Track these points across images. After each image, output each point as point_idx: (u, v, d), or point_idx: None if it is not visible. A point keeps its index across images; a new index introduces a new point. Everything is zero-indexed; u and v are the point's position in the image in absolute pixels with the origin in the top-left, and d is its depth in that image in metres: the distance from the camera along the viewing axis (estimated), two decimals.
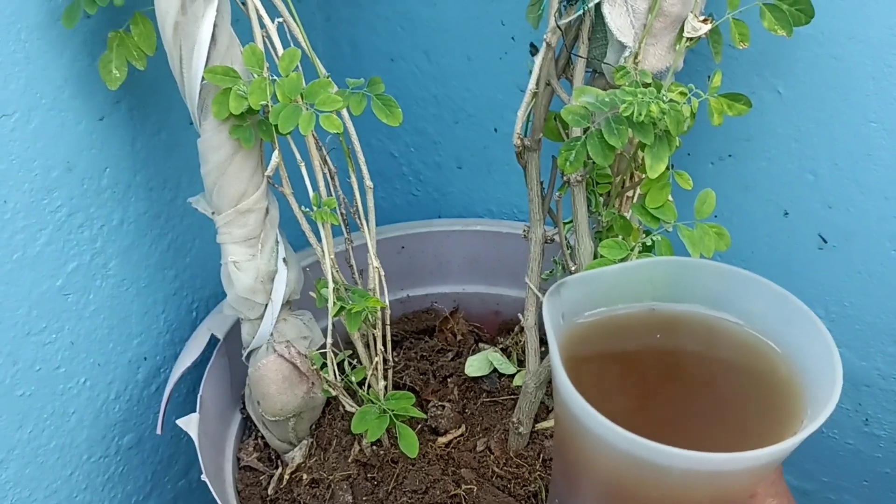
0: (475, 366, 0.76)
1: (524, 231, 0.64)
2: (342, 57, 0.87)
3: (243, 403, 0.74)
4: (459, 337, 0.82)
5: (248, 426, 0.74)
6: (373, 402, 0.62)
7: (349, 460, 0.68)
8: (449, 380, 0.75)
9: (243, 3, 0.57)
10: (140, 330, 0.74)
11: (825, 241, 0.72)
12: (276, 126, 0.54)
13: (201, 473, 0.63)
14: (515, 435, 0.67)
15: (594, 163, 0.55)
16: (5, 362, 0.62)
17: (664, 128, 0.52)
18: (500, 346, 0.79)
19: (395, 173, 0.92)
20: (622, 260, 0.54)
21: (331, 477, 0.67)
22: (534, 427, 0.68)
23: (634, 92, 0.51)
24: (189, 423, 0.65)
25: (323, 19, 0.85)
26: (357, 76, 0.59)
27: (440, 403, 0.72)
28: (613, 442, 0.38)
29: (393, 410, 0.61)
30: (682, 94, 0.54)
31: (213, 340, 0.72)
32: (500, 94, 0.82)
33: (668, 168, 0.54)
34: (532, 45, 0.77)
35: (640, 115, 0.50)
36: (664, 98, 0.51)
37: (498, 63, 0.80)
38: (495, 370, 0.76)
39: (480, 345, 0.82)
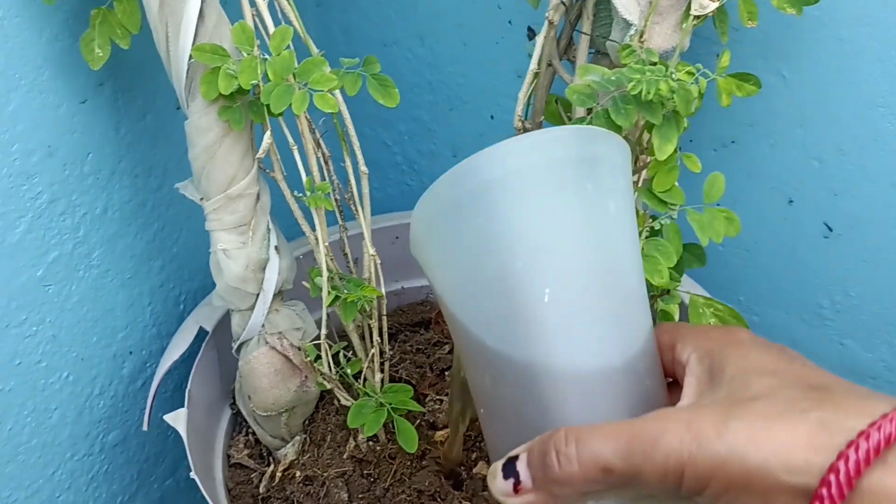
0: None
1: None
2: (334, 42, 0.84)
3: (233, 398, 0.71)
4: None
5: (238, 422, 0.72)
6: (369, 396, 0.60)
7: (344, 456, 0.65)
8: (446, 373, 0.73)
9: None
10: (125, 323, 0.71)
11: (830, 230, 0.71)
12: (267, 106, 0.52)
13: (190, 471, 0.61)
14: None
15: None
16: None
17: (672, 108, 0.50)
18: None
19: (388, 163, 0.90)
20: None
21: (325, 474, 0.65)
22: None
23: (643, 70, 0.49)
24: (177, 419, 0.62)
25: (314, 4, 0.83)
26: None
27: (437, 397, 0.70)
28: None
29: (391, 404, 0.59)
30: (689, 73, 0.52)
31: (201, 333, 0.70)
32: (496, 80, 0.80)
33: (675, 150, 0.52)
34: (530, 28, 0.75)
35: (649, 93, 0.48)
36: (673, 76, 0.49)
37: (494, 48, 0.78)
38: None
39: None
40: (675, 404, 0.36)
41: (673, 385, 0.39)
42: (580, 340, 0.36)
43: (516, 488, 0.34)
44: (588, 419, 0.35)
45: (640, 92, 0.48)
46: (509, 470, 0.35)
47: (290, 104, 0.51)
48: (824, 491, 0.28)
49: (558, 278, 0.36)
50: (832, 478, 0.28)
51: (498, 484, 0.35)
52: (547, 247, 0.37)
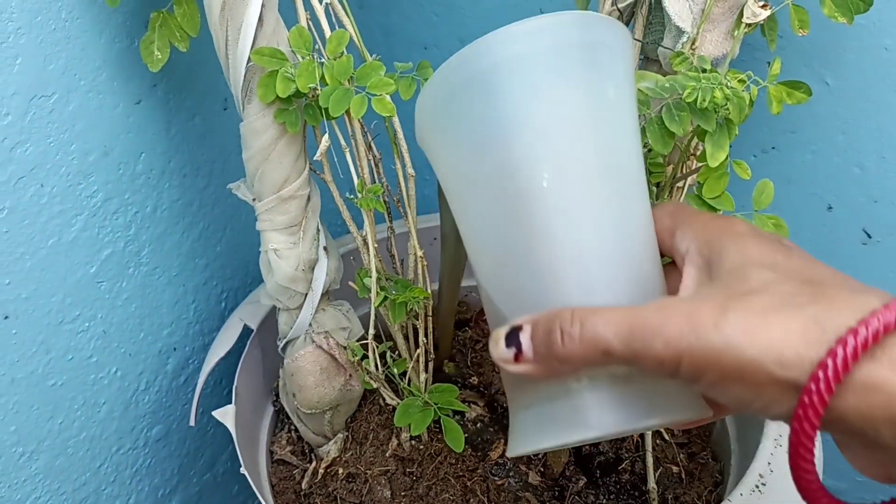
0: None
1: None
2: (375, 44, 0.85)
3: (276, 395, 0.72)
4: None
5: (280, 419, 0.73)
6: (415, 395, 0.60)
7: (387, 455, 0.66)
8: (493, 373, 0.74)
9: None
10: (170, 319, 0.73)
11: (869, 237, 0.71)
12: (325, 110, 0.53)
13: (236, 466, 0.62)
14: None
15: (649, 150, 0.53)
16: (38, 351, 0.61)
17: (725, 115, 0.51)
18: None
19: (426, 165, 0.90)
20: None
21: (368, 471, 0.65)
22: None
23: (698, 77, 0.49)
24: (225, 415, 0.63)
25: (356, 5, 0.84)
26: (390, 64, 0.58)
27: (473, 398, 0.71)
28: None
29: (437, 404, 0.59)
30: (741, 81, 0.53)
31: (244, 331, 0.71)
32: None
33: (726, 157, 0.53)
34: None
35: (704, 101, 0.49)
36: (727, 84, 0.50)
37: None
38: None
39: None
40: (673, 290, 0.37)
41: (670, 267, 0.39)
42: (578, 224, 0.37)
43: (517, 357, 0.35)
44: (586, 300, 0.36)
45: (696, 99, 0.49)
46: (512, 339, 0.35)
47: (349, 108, 0.52)
48: (813, 385, 0.29)
49: (557, 163, 0.37)
50: (821, 373, 0.29)
51: (500, 350, 0.36)
52: (547, 132, 0.37)
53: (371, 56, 0.56)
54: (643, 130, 0.51)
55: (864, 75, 0.65)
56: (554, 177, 0.37)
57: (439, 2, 0.80)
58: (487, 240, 0.39)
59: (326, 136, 0.55)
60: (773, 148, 0.72)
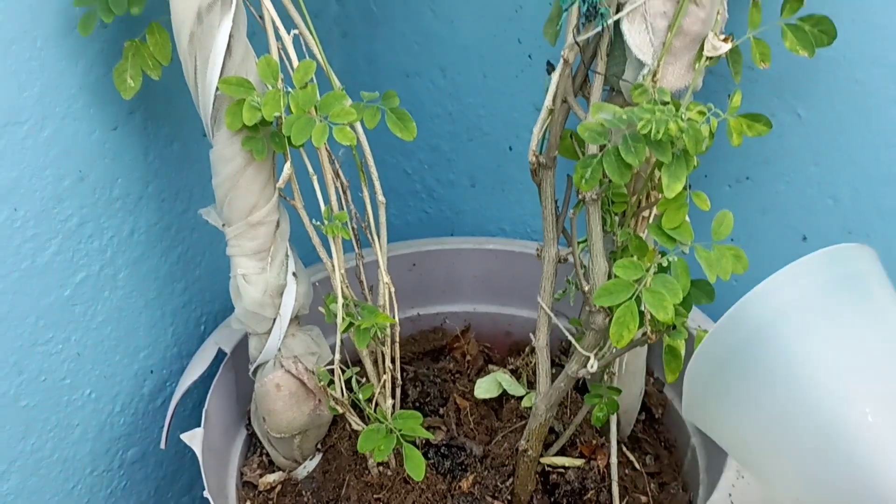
0: (484, 387, 0.74)
1: (537, 250, 0.63)
2: (358, 72, 0.87)
3: (249, 419, 0.73)
4: (469, 357, 0.81)
5: (252, 442, 0.73)
6: (380, 421, 0.61)
7: (356, 480, 0.66)
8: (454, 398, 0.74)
9: (260, 16, 0.57)
10: (147, 342, 0.73)
11: None
12: (288, 138, 0.54)
13: (203, 490, 0.62)
14: (524, 459, 0.66)
15: (610, 181, 0.54)
16: (10, 372, 0.61)
17: (682, 147, 0.51)
18: (510, 367, 0.78)
19: (408, 190, 0.92)
20: (637, 281, 0.52)
21: (338, 497, 0.66)
22: (542, 453, 0.67)
23: (653, 109, 0.50)
24: (193, 438, 0.64)
25: (340, 35, 0.85)
26: (373, 91, 0.59)
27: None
28: None
29: (400, 430, 0.60)
30: (700, 113, 0.53)
31: (219, 355, 0.71)
32: (515, 112, 0.81)
33: (685, 188, 0.53)
34: (549, 63, 0.76)
35: (658, 132, 0.49)
36: (682, 116, 0.50)
37: (514, 81, 0.79)
38: (504, 392, 0.74)
39: (490, 366, 0.80)
40: None
41: None
42: None
43: None
44: None
45: (650, 131, 0.49)
46: None
47: (311, 136, 0.53)
48: None
49: (876, 395, 0.37)
50: None
51: None
52: (855, 365, 0.37)
53: (352, 86, 0.57)
54: (600, 161, 0.51)
55: (835, 107, 0.65)
56: (876, 409, 0.37)
57: (421, 31, 0.81)
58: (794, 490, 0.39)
59: (288, 164, 0.56)
60: (748, 178, 0.72)
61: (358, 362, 0.66)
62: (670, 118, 0.50)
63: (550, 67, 0.76)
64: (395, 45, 0.84)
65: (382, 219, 0.63)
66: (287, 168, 0.56)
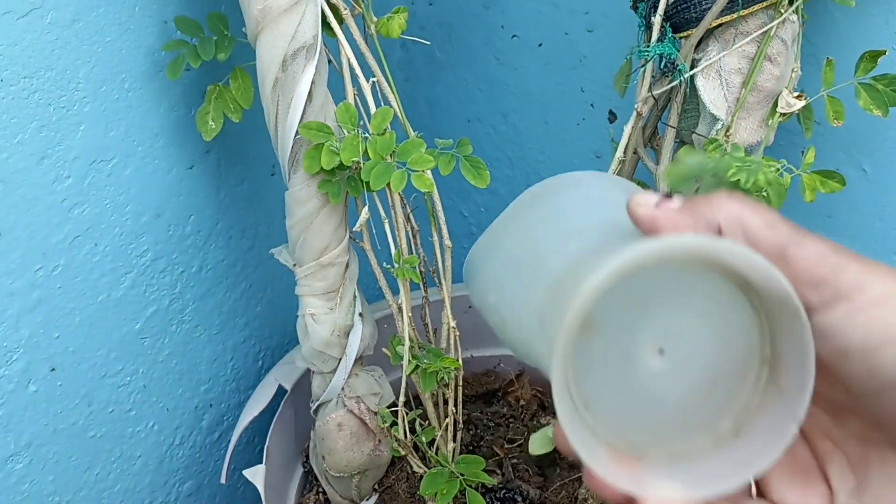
0: (538, 443, 0.74)
1: None
2: (419, 116, 0.88)
3: (306, 457, 0.73)
4: (523, 402, 0.81)
5: (308, 480, 0.74)
6: (442, 465, 0.61)
7: None
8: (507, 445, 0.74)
9: (339, 63, 0.58)
10: (208, 376, 0.74)
11: None
12: (366, 183, 0.55)
13: None
14: None
15: None
16: (81, 403, 0.63)
17: (764, 199, 0.52)
18: None
19: (463, 233, 0.93)
20: None
21: None
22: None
23: (743, 159, 0.50)
24: (255, 475, 0.64)
25: (403, 79, 0.87)
26: (434, 135, 0.60)
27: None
28: None
29: (463, 475, 0.60)
30: (774, 169, 0.54)
31: (279, 391, 0.72)
32: (575, 158, 0.82)
33: None
34: (611, 112, 0.77)
35: (748, 182, 0.49)
36: (771, 169, 0.51)
37: (575, 129, 0.80)
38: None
39: (542, 413, 0.80)
40: None
41: None
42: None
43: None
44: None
45: (741, 180, 0.49)
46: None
47: (389, 181, 0.54)
48: None
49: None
50: None
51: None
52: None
53: (413, 130, 0.58)
54: None
55: None
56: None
57: (483, 77, 0.83)
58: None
59: (366, 208, 0.57)
60: None
61: (418, 402, 0.66)
62: (759, 169, 0.50)
63: (613, 116, 0.77)
64: (458, 91, 0.85)
65: (448, 262, 0.63)
66: (364, 213, 0.57)
